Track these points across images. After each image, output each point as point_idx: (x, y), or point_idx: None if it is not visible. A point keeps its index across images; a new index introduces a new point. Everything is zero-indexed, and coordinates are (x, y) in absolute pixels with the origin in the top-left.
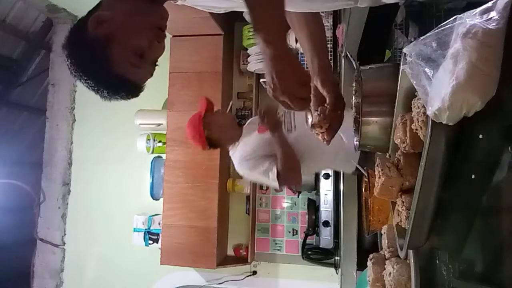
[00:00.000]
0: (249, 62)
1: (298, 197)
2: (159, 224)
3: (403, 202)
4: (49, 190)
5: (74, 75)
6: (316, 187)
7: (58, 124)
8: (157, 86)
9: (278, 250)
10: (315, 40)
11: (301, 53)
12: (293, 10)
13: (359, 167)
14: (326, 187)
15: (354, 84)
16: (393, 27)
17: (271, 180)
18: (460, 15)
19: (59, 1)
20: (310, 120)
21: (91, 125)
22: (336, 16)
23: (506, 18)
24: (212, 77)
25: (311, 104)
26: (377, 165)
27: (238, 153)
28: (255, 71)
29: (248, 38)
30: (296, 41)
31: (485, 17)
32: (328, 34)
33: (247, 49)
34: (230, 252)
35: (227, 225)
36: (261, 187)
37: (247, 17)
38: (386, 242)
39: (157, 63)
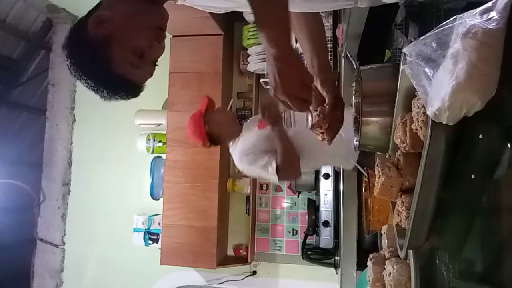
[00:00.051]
0: (249, 62)
1: (298, 197)
2: (159, 224)
3: (403, 202)
4: (49, 190)
5: (74, 75)
6: (316, 187)
7: (58, 124)
8: (157, 86)
9: (278, 250)
10: (315, 40)
11: (301, 53)
12: (293, 10)
13: (359, 167)
14: (326, 187)
15: (354, 84)
16: (393, 27)
17: (271, 174)
18: (460, 15)
19: (59, 1)
20: (310, 121)
21: (91, 125)
22: (336, 16)
23: (506, 18)
24: (212, 77)
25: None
26: (377, 165)
27: (238, 149)
28: (255, 71)
29: (248, 38)
30: (296, 41)
31: (485, 17)
32: (328, 34)
33: (247, 49)
34: (230, 252)
35: (227, 225)
36: (261, 187)
37: (247, 17)
38: (386, 242)
39: (157, 63)
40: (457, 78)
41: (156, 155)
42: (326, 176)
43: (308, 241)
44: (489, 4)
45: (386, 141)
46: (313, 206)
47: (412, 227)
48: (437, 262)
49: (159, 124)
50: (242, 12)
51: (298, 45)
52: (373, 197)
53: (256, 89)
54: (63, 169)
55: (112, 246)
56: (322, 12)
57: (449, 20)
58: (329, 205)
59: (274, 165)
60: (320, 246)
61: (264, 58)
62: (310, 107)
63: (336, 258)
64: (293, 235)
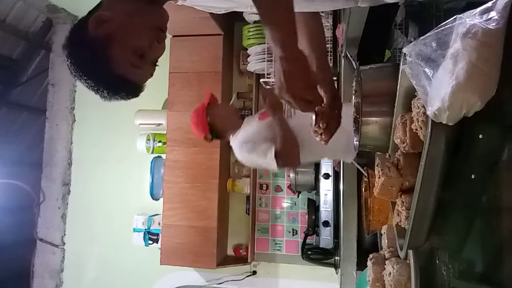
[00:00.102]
0: (249, 62)
1: (298, 197)
2: (159, 224)
3: (403, 202)
4: (49, 190)
5: (74, 75)
6: (316, 187)
7: (58, 124)
8: (157, 86)
9: (278, 250)
10: (314, 40)
11: None
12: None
13: (359, 167)
14: (326, 187)
15: (354, 84)
16: (393, 27)
17: (269, 160)
18: (460, 15)
19: (59, 1)
20: (314, 119)
21: (91, 125)
22: (336, 16)
23: (506, 18)
24: (212, 77)
25: None
26: (377, 165)
27: (238, 138)
28: (255, 71)
29: (248, 38)
30: None
31: (485, 17)
32: (328, 34)
33: (247, 49)
34: (230, 252)
35: (227, 225)
36: (261, 187)
37: (247, 17)
38: (386, 242)
39: (157, 63)
40: (457, 78)
41: (156, 155)
42: (326, 176)
43: (308, 241)
44: (489, 4)
45: (386, 141)
46: (313, 206)
47: (412, 227)
48: (437, 262)
49: (159, 124)
50: (242, 12)
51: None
52: (373, 197)
53: (256, 89)
54: (63, 169)
55: (112, 246)
56: (322, 12)
57: (449, 20)
58: (329, 205)
59: (273, 150)
60: (320, 246)
61: (264, 58)
62: None
63: (336, 258)
64: (293, 235)
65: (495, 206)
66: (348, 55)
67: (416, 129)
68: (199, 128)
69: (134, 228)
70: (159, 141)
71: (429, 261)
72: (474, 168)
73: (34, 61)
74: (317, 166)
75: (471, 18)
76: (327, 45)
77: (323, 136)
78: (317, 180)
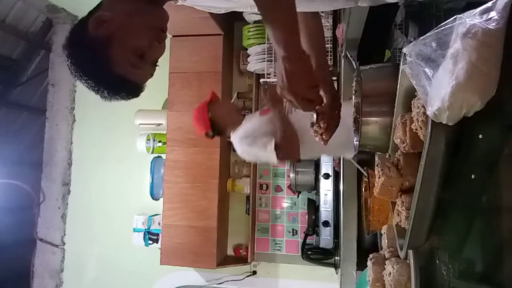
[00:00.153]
0: (249, 62)
1: (298, 197)
2: (159, 224)
3: (403, 202)
4: (49, 190)
5: (74, 75)
6: (316, 187)
7: (58, 124)
8: (157, 86)
9: (278, 250)
10: (313, 39)
11: None
12: None
13: (359, 167)
14: (326, 187)
15: (354, 84)
16: (393, 27)
17: (269, 153)
18: (460, 15)
19: (59, 1)
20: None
21: (91, 125)
22: (336, 16)
23: (506, 18)
24: (212, 77)
25: None
26: (377, 165)
27: (239, 133)
28: (255, 71)
29: (248, 38)
30: None
31: (485, 17)
32: (328, 34)
33: (247, 49)
34: (230, 252)
35: (227, 225)
36: (261, 187)
37: (247, 17)
38: (386, 242)
39: (157, 64)
40: (457, 78)
41: (156, 155)
42: (326, 176)
43: (308, 241)
44: (489, 4)
45: (386, 141)
46: (313, 206)
47: (412, 227)
48: (437, 262)
49: (159, 124)
50: (242, 12)
51: None
52: (373, 197)
53: (256, 89)
54: (63, 169)
55: (112, 246)
56: (322, 12)
57: (449, 20)
58: (329, 205)
59: (273, 143)
60: (320, 246)
61: (264, 58)
62: None
63: (336, 258)
64: (293, 235)
65: (495, 206)
66: (348, 55)
67: (416, 129)
68: (201, 124)
69: (134, 228)
70: (159, 141)
71: (429, 261)
72: (474, 168)
73: (34, 61)
74: (317, 166)
75: (471, 18)
76: (327, 45)
77: (323, 136)
78: (317, 180)
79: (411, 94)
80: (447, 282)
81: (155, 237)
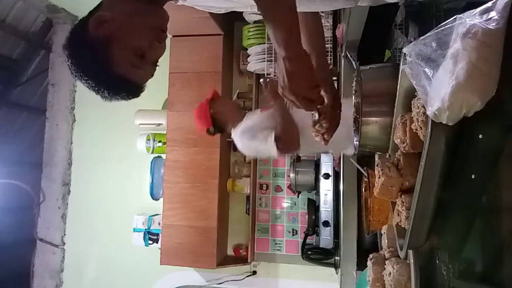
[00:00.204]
0: (249, 62)
1: (298, 197)
2: (159, 224)
3: (403, 202)
4: (49, 190)
5: (74, 76)
6: (316, 187)
7: (58, 124)
8: (157, 86)
9: (278, 250)
10: (313, 39)
11: None
12: None
13: (359, 167)
14: (326, 187)
15: (354, 84)
16: (393, 27)
17: (269, 145)
18: (460, 15)
19: (59, 1)
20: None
21: (91, 125)
22: (336, 16)
23: (506, 18)
24: (212, 77)
25: None
26: (377, 165)
27: (239, 128)
28: (255, 71)
29: (248, 38)
30: None
31: (485, 17)
32: (328, 34)
33: (247, 49)
34: (230, 252)
35: (227, 225)
36: (261, 187)
37: (247, 17)
38: (386, 242)
39: (157, 64)
40: (457, 78)
41: (156, 155)
42: (326, 176)
43: (308, 241)
44: (489, 4)
45: (386, 141)
46: (313, 206)
47: (412, 227)
48: (437, 262)
49: (159, 124)
50: (242, 12)
51: None
52: (373, 197)
53: (256, 89)
54: (63, 169)
55: (112, 246)
56: (322, 12)
57: (449, 20)
58: (329, 205)
59: (273, 135)
60: (320, 246)
61: (264, 58)
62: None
63: (336, 258)
64: (293, 235)
65: (495, 206)
66: (348, 55)
67: (416, 129)
68: (202, 121)
69: (134, 228)
70: (159, 141)
71: (429, 261)
72: (474, 168)
73: (34, 61)
74: (317, 166)
75: (471, 18)
76: (327, 45)
77: (324, 136)
78: (317, 180)
79: (411, 94)
80: (447, 282)
81: (155, 237)
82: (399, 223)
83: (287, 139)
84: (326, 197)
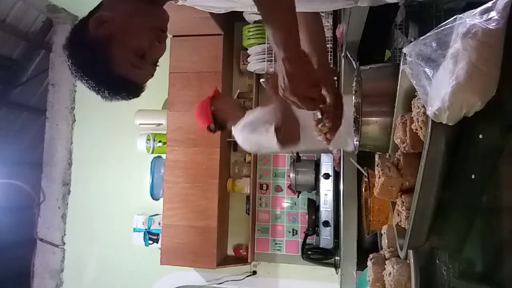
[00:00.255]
0: (249, 62)
1: (298, 197)
2: (159, 224)
3: (403, 202)
4: (49, 190)
5: (75, 76)
6: (316, 187)
7: (58, 124)
8: (157, 86)
9: (278, 250)
10: (314, 39)
11: None
12: None
13: (359, 167)
14: (326, 187)
15: (354, 84)
16: (393, 27)
17: (270, 137)
18: (460, 15)
19: (59, 1)
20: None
21: (91, 125)
22: (336, 16)
23: (506, 18)
24: (212, 77)
25: None
26: (377, 165)
27: (241, 124)
28: (255, 71)
29: (248, 38)
30: None
31: (485, 17)
32: (328, 34)
33: (247, 49)
34: (230, 252)
35: (227, 225)
36: (261, 187)
37: (247, 17)
38: (386, 242)
39: (157, 64)
40: (457, 78)
41: (156, 155)
42: (326, 176)
43: (308, 241)
44: (489, 4)
45: (386, 141)
46: (313, 206)
47: (412, 227)
48: (437, 262)
49: (159, 124)
50: (242, 12)
51: None
52: (373, 197)
53: (256, 89)
54: (63, 169)
55: (112, 246)
56: (322, 12)
57: (449, 20)
58: (329, 205)
59: (273, 126)
60: (320, 246)
61: (264, 58)
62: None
63: (336, 258)
64: (293, 235)
65: (495, 206)
66: (348, 55)
67: (416, 129)
68: (203, 118)
69: (134, 228)
70: (159, 141)
71: (429, 261)
72: (474, 168)
73: (34, 61)
74: (317, 166)
75: (471, 18)
76: (327, 45)
77: (328, 135)
78: (317, 180)
79: (411, 94)
80: (447, 282)
81: (155, 237)
82: (399, 223)
83: (287, 130)
84: (326, 197)
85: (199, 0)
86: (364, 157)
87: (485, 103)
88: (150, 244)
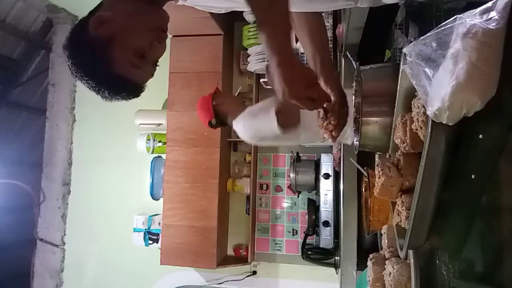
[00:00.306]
0: (249, 62)
1: (298, 197)
2: (159, 224)
3: (403, 202)
4: (49, 190)
5: (75, 76)
6: (316, 187)
7: (58, 124)
8: (157, 86)
9: (278, 250)
10: (316, 38)
11: (302, 53)
12: (293, 10)
13: (359, 167)
14: (326, 187)
15: (354, 84)
16: (393, 27)
17: (270, 120)
18: (460, 15)
19: (59, 1)
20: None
21: (91, 125)
22: (336, 16)
23: (506, 18)
24: (212, 77)
25: None
26: (377, 165)
27: (242, 114)
28: (255, 71)
29: (248, 38)
30: (297, 41)
31: (485, 17)
32: (328, 34)
33: (247, 49)
34: (230, 252)
35: (227, 225)
36: (261, 187)
37: (247, 17)
38: (386, 242)
39: (157, 64)
40: (457, 78)
41: (156, 155)
42: (326, 176)
43: (308, 241)
44: (489, 4)
45: (386, 141)
46: (313, 206)
47: (412, 227)
48: (437, 262)
49: (159, 124)
50: (242, 12)
51: (298, 45)
52: (373, 197)
53: (256, 89)
54: (63, 169)
55: (112, 246)
56: (322, 12)
57: (449, 20)
58: (329, 205)
59: (273, 109)
60: (320, 246)
61: (264, 58)
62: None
63: (336, 258)
64: (293, 235)
65: (495, 206)
66: (348, 55)
67: (416, 129)
68: (205, 112)
69: (134, 228)
70: (159, 141)
71: (429, 261)
72: (474, 168)
73: (34, 61)
74: (317, 166)
75: (471, 18)
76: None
77: (333, 133)
78: (317, 180)
79: (411, 94)
80: (447, 282)
81: (155, 237)
82: (399, 223)
83: (287, 112)
84: (326, 197)
85: (199, 0)
86: (364, 157)
87: (485, 103)
88: (150, 244)
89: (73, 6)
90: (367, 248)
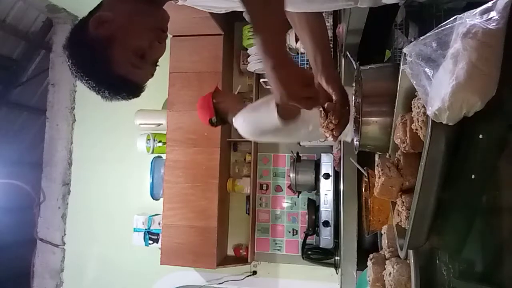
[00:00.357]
0: (249, 62)
1: (298, 197)
2: (159, 224)
3: (403, 202)
4: (49, 190)
5: (75, 76)
6: (316, 187)
7: (58, 124)
8: (157, 86)
9: (278, 250)
10: (316, 38)
11: (302, 53)
12: (293, 10)
13: (359, 167)
14: (326, 187)
15: (354, 84)
16: (393, 27)
17: (271, 111)
18: (460, 15)
19: (59, 1)
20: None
21: (91, 125)
22: (336, 16)
23: (506, 18)
24: (212, 77)
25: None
26: (377, 165)
27: (241, 111)
28: (255, 71)
29: (248, 38)
30: (297, 40)
31: (485, 17)
32: (328, 34)
33: (247, 49)
34: (230, 252)
35: (227, 225)
36: (261, 187)
37: (247, 17)
38: (386, 242)
39: (157, 64)
40: (457, 78)
41: (156, 155)
42: (326, 176)
43: (308, 241)
44: (489, 4)
45: (386, 141)
46: (313, 206)
47: (412, 227)
48: (437, 262)
49: (159, 124)
50: (242, 12)
51: (298, 44)
52: (373, 197)
53: (256, 89)
54: (63, 169)
55: (112, 246)
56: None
57: (449, 20)
58: (329, 205)
59: (274, 101)
60: (320, 246)
61: None
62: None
63: (336, 258)
64: (293, 235)
65: (495, 206)
66: (348, 55)
67: (416, 129)
68: (205, 110)
69: (134, 228)
70: (159, 141)
71: (429, 261)
72: (474, 168)
73: (34, 61)
74: (317, 166)
75: (471, 18)
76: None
77: (334, 132)
78: (317, 180)
79: (411, 94)
80: (447, 282)
81: (155, 237)
82: (399, 223)
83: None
84: (326, 197)
85: (199, 0)
86: (364, 157)
87: (485, 103)
88: (150, 244)
89: (73, 6)
90: (367, 248)
